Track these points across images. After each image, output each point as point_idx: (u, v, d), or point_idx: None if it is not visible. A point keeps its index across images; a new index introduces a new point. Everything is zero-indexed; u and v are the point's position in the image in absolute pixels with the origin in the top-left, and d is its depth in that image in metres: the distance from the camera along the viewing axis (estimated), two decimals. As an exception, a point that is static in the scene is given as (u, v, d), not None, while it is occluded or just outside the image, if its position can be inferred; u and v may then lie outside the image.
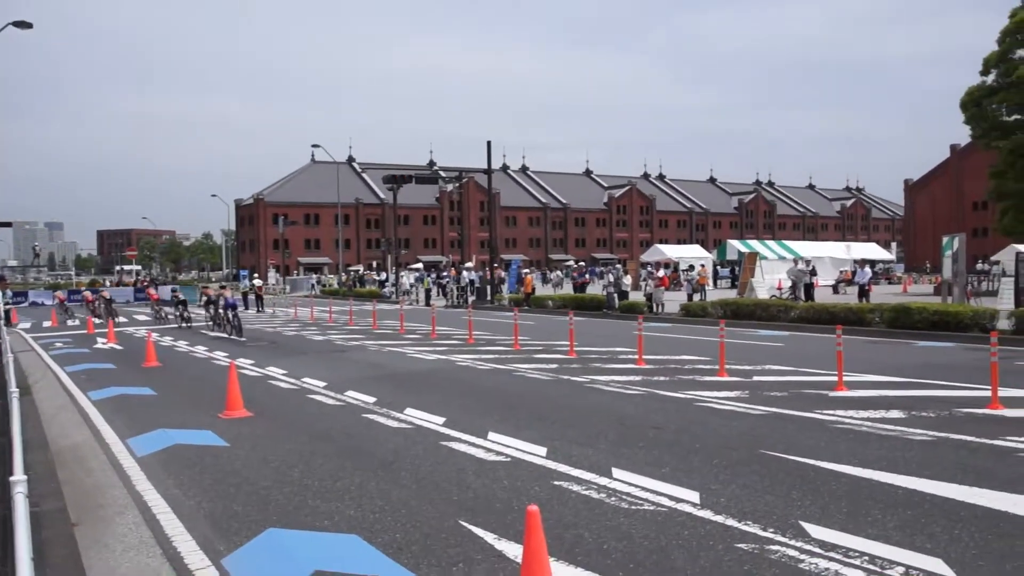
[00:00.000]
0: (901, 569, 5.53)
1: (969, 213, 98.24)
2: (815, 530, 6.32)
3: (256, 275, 56.19)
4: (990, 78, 47.47)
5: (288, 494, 7.76)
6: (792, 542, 6.08)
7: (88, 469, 9.05)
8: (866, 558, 5.73)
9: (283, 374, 16.74)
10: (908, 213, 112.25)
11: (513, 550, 5.99)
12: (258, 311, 42.67)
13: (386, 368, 17.47)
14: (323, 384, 15.02)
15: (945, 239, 30.26)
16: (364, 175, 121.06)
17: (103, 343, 25.41)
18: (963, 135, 54.30)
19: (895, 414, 10.91)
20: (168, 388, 15.32)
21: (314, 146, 72.38)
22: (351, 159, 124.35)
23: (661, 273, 40.09)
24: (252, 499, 7.64)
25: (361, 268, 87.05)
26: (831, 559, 5.73)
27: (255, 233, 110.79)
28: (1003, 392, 11.86)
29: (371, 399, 13.14)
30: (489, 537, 6.36)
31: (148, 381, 16.23)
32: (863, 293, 34.75)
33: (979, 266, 57.38)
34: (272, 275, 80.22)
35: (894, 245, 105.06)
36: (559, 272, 67.65)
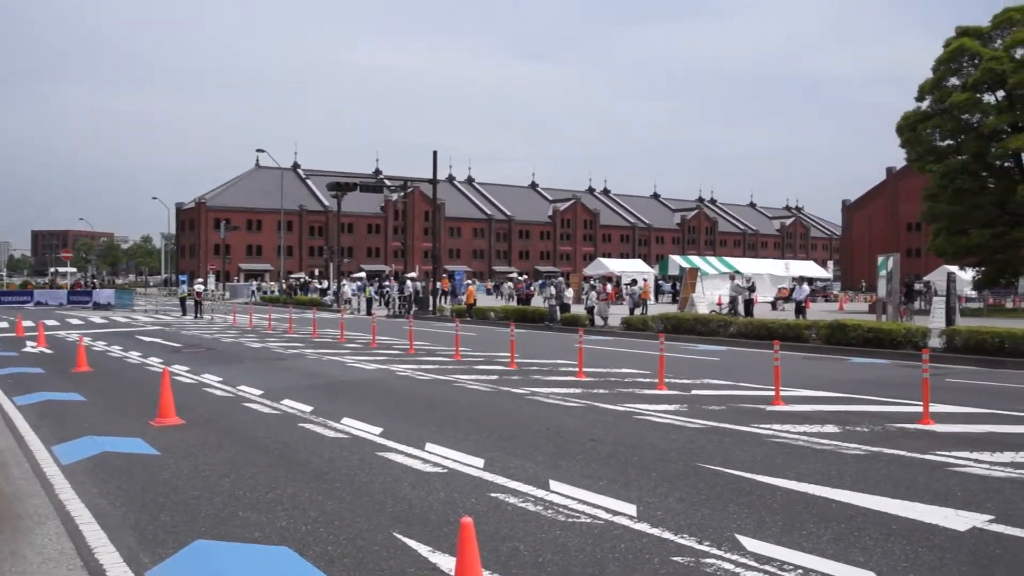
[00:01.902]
0: (834, 583, 5.55)
1: (904, 234, 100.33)
2: (751, 543, 6.32)
3: (200, 280, 55.39)
4: (925, 104, 48.71)
5: (219, 505, 7.59)
6: (728, 555, 6.07)
7: (8, 477, 8.76)
8: (800, 571, 5.74)
9: (219, 381, 16.47)
10: (845, 233, 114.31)
11: (448, 563, 5.90)
12: (196, 317, 42.08)
13: (324, 377, 17.28)
14: (259, 392, 14.79)
15: (880, 259, 30.75)
16: (309, 182, 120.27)
17: (32, 347, 24.83)
18: (899, 158, 55.36)
19: (830, 429, 11.01)
20: (98, 394, 14.97)
21: (259, 151, 72.24)
22: (296, 165, 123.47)
23: (609, 288, 40.33)
24: (181, 509, 7.46)
25: (304, 276, 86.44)
26: (766, 572, 5.73)
27: (196, 238, 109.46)
28: (934, 408, 12.05)
29: (308, 408, 12.97)
30: (423, 549, 6.26)
31: (78, 387, 15.85)
32: (800, 310, 35.22)
33: (918, 286, 58.35)
34: (210, 280, 79.24)
35: (831, 264, 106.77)
36: (509, 284, 67.49)
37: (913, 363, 18.86)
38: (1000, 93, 46.43)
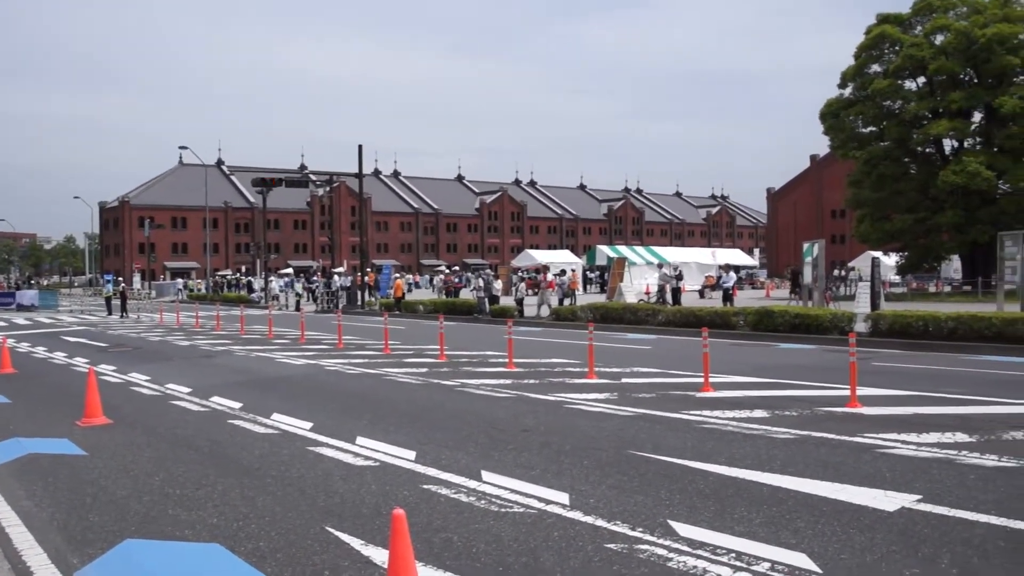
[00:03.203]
0: (767, 564, 5.60)
1: (828, 220, 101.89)
2: (683, 528, 6.36)
3: (121, 279, 54.31)
4: (848, 91, 49.50)
5: (148, 503, 7.45)
6: (661, 541, 6.11)
7: (-71, 481, 8.51)
8: (733, 555, 5.79)
9: (146, 380, 16.18)
10: (771, 220, 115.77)
11: (380, 556, 5.85)
12: (122, 316, 41.29)
13: (253, 373, 17.07)
14: (187, 390, 14.56)
15: (806, 245, 31.18)
16: (233, 178, 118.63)
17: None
18: (823, 146, 56.32)
19: (759, 414, 11.15)
20: (23, 395, 14.61)
21: (182, 147, 70.84)
22: (220, 162, 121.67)
23: (550, 277, 40.39)
24: (109, 509, 7.30)
25: (231, 272, 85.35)
26: (699, 557, 5.77)
27: (120, 237, 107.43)
28: (861, 391, 12.24)
29: (237, 405, 12.79)
30: (356, 543, 6.20)
31: (1, 388, 15.42)
32: (728, 297, 35.61)
33: (836, 272, 59.50)
34: (136, 279, 77.84)
35: (757, 251, 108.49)
36: (441, 278, 67.31)
37: (840, 348, 19.16)
38: (921, 79, 47.42)
